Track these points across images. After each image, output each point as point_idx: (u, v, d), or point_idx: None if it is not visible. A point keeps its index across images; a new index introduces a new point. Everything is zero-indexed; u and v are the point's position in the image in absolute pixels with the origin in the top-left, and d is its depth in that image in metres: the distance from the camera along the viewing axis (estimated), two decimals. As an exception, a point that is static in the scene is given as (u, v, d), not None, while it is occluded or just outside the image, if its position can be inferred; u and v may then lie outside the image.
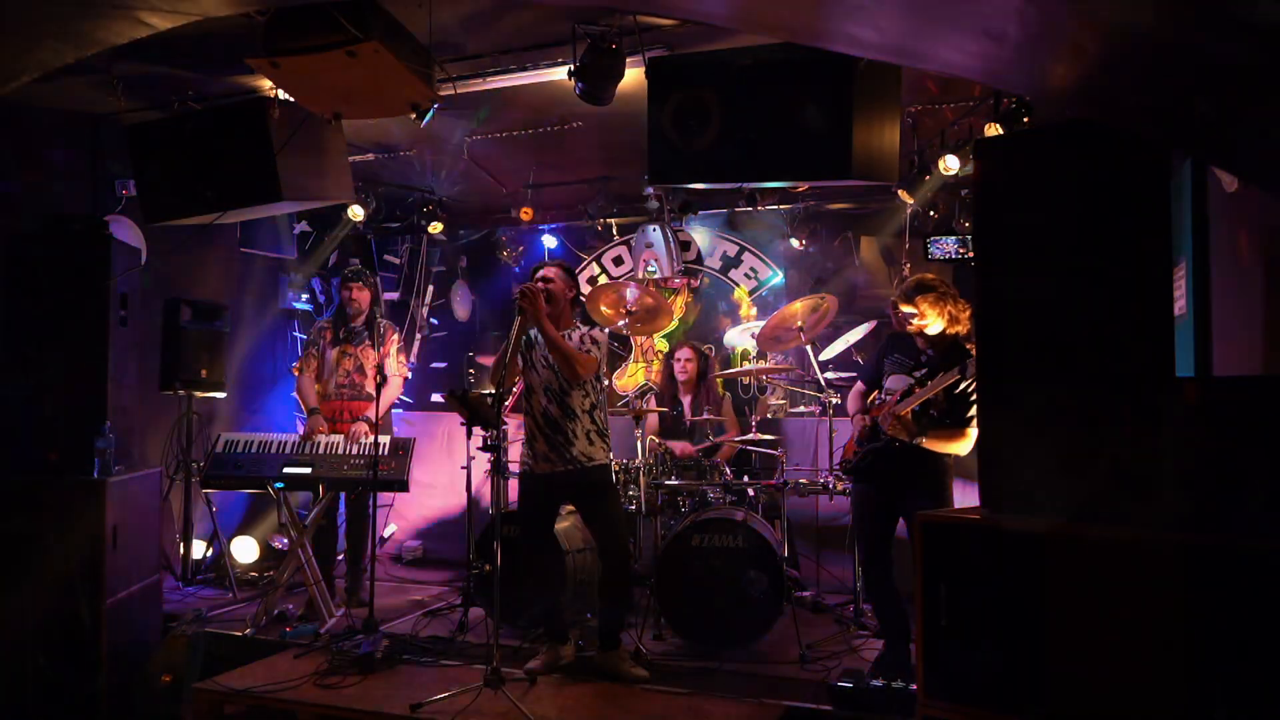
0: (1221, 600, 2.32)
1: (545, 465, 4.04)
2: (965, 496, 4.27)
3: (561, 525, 4.58)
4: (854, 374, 4.38)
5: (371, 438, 4.81)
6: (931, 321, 3.84)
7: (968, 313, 3.84)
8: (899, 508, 3.94)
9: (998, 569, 2.72)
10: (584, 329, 4.12)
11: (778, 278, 6.93)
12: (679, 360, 5.72)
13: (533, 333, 4.08)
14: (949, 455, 3.84)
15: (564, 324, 4.10)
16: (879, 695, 3.43)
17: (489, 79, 4.70)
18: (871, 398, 4.14)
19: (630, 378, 7.21)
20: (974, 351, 3.73)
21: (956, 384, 3.73)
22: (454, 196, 7.09)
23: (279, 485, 4.76)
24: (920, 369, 3.90)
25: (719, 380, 5.94)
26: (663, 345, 7.12)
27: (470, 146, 6.02)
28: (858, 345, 5.77)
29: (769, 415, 6.38)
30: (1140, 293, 2.66)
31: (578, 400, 4.04)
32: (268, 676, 3.92)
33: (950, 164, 4.99)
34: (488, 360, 6.44)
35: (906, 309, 3.86)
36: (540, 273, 4.12)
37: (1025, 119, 4.44)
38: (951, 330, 3.86)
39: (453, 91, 4.18)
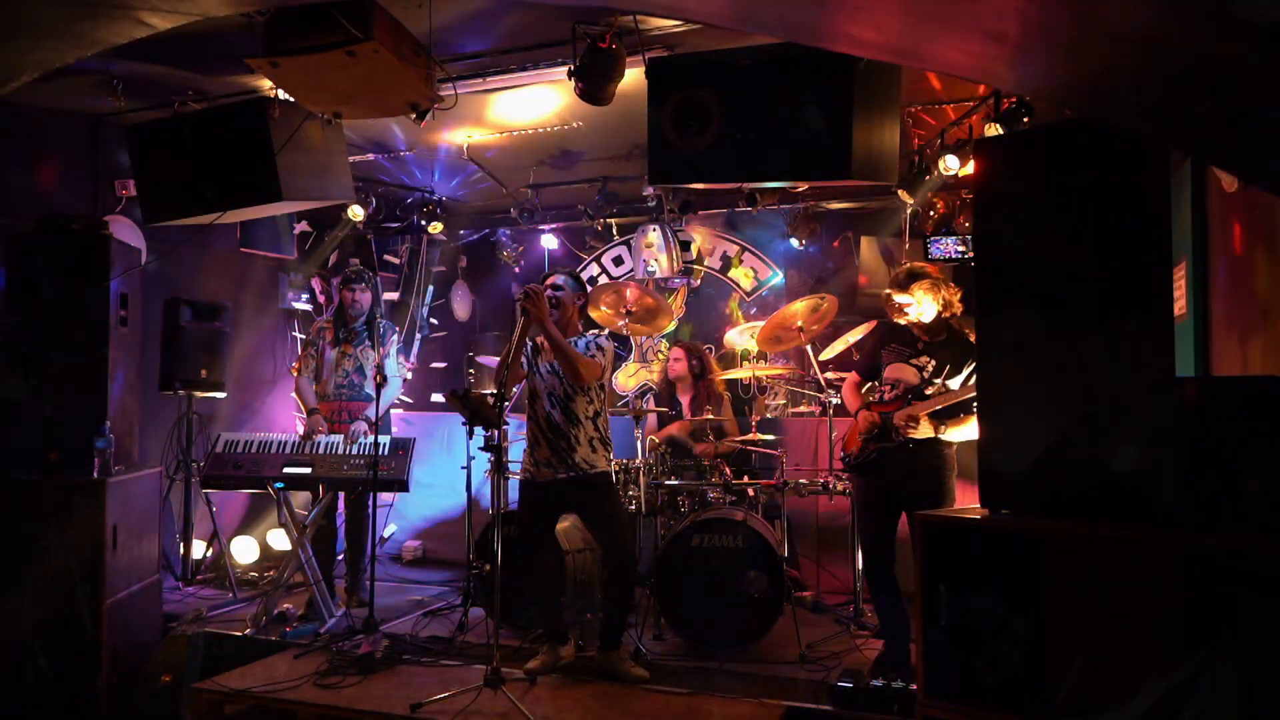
0: (1221, 600, 2.32)
1: (547, 471, 4.03)
2: (965, 496, 4.27)
3: (561, 525, 4.57)
4: (854, 374, 4.38)
5: (371, 437, 4.81)
6: (927, 308, 3.89)
7: (959, 295, 3.93)
8: (901, 502, 3.96)
9: (998, 569, 2.72)
10: (590, 335, 4.11)
11: (778, 278, 6.93)
12: (670, 360, 5.75)
13: (539, 338, 4.08)
14: (952, 450, 3.89)
15: (570, 332, 4.09)
16: (879, 695, 3.43)
17: (489, 79, 4.70)
18: (866, 388, 4.16)
19: (630, 378, 7.22)
20: (970, 335, 3.79)
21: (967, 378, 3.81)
22: (454, 196, 7.09)
23: (279, 485, 4.76)
24: (919, 355, 3.97)
25: (718, 381, 5.94)
26: (663, 346, 7.12)
27: (470, 147, 6.01)
28: (858, 345, 5.76)
29: (769, 415, 6.38)
30: (1140, 293, 2.66)
31: (581, 406, 4.03)
32: (268, 676, 3.92)
33: (950, 164, 5.00)
34: (489, 360, 6.43)
35: (902, 298, 3.90)
36: (549, 280, 4.11)
37: (1025, 119, 4.44)
38: (946, 314, 3.93)
39: (453, 91, 4.17)
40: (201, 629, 4.52)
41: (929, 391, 3.88)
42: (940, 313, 3.90)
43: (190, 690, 3.93)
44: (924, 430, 3.82)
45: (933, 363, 3.92)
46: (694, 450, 5.25)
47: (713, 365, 5.86)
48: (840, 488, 4.85)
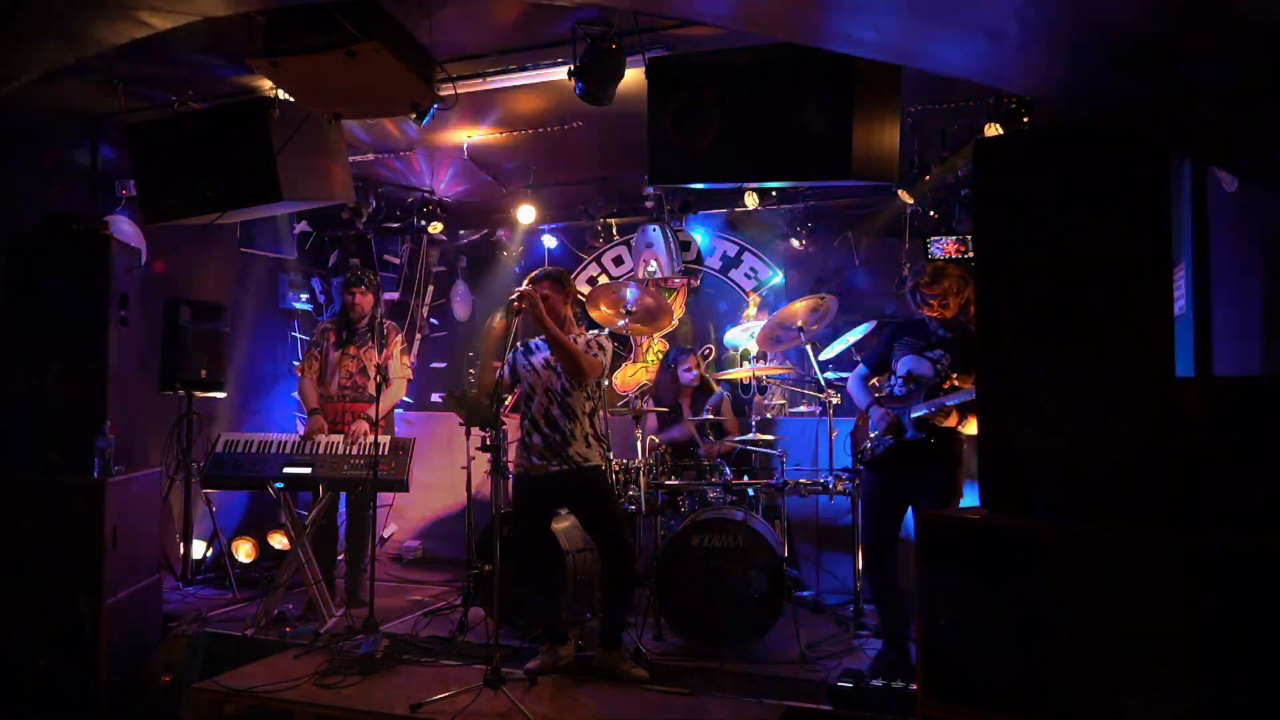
0: (1222, 600, 2.32)
1: (540, 465, 4.02)
2: (966, 497, 4.27)
3: (561, 525, 4.57)
4: (856, 375, 4.37)
5: (371, 438, 4.80)
6: (953, 304, 3.91)
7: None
8: (910, 498, 3.97)
9: (998, 569, 2.72)
10: (590, 334, 4.11)
11: (778, 278, 6.93)
12: (680, 370, 5.69)
13: (533, 341, 4.07)
14: (962, 448, 3.92)
15: (567, 328, 4.09)
16: (879, 695, 3.43)
17: (489, 79, 4.70)
18: (874, 382, 4.17)
19: (630, 378, 7.21)
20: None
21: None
22: (454, 196, 7.09)
23: (279, 485, 4.76)
24: (933, 349, 3.98)
25: (712, 380, 5.94)
26: (661, 345, 7.12)
27: (470, 146, 6.01)
28: (858, 345, 5.77)
29: (768, 415, 6.38)
30: (1140, 293, 2.66)
31: (579, 402, 4.03)
32: (268, 676, 3.91)
33: (951, 164, 5.00)
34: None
35: (934, 291, 3.90)
36: (540, 288, 4.02)
37: (1025, 119, 4.44)
38: (968, 311, 3.95)
39: (453, 91, 4.18)
40: (201, 629, 4.51)
41: (946, 386, 3.89)
42: (963, 309, 3.93)
43: (190, 690, 3.93)
44: (952, 419, 3.85)
45: (948, 357, 3.93)
46: (700, 450, 5.25)
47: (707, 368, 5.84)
48: (840, 488, 4.84)
